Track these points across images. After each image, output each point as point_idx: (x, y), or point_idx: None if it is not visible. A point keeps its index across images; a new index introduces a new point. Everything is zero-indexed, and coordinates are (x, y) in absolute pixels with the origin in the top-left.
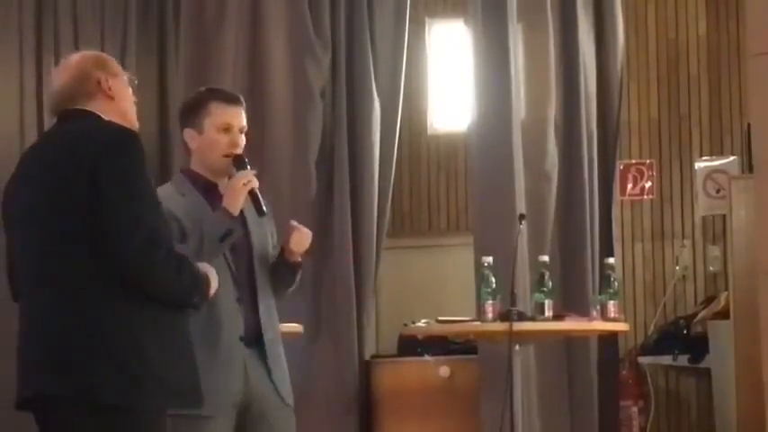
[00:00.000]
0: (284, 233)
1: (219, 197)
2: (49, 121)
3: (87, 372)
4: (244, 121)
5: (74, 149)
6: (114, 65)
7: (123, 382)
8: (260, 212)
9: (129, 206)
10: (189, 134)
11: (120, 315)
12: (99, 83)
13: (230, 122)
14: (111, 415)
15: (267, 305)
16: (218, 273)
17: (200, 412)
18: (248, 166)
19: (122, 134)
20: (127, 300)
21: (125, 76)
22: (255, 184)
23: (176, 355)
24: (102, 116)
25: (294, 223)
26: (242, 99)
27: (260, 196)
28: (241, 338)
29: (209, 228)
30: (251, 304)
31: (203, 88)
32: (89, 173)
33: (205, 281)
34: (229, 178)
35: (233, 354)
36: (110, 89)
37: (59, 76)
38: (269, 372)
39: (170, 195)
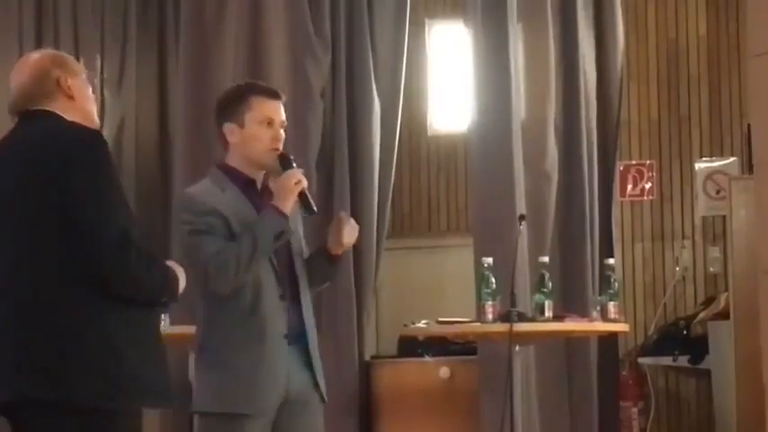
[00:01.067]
0: (334, 226)
1: (257, 193)
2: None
3: (64, 374)
4: (284, 116)
5: (40, 152)
6: (74, 64)
7: (100, 382)
8: (310, 211)
9: (99, 207)
10: (229, 128)
11: (93, 315)
12: (58, 82)
13: (272, 117)
14: (90, 416)
15: (307, 302)
16: (262, 271)
17: (244, 411)
18: (294, 164)
19: (88, 135)
20: (100, 300)
21: (84, 75)
22: (305, 183)
23: (149, 353)
24: (65, 116)
25: (343, 214)
26: (282, 94)
27: (309, 195)
28: (285, 336)
29: (263, 227)
30: (293, 301)
31: (242, 82)
32: (57, 175)
33: (174, 279)
34: (266, 174)
35: (278, 352)
36: (69, 88)
37: (18, 76)
38: (311, 368)
39: (210, 191)
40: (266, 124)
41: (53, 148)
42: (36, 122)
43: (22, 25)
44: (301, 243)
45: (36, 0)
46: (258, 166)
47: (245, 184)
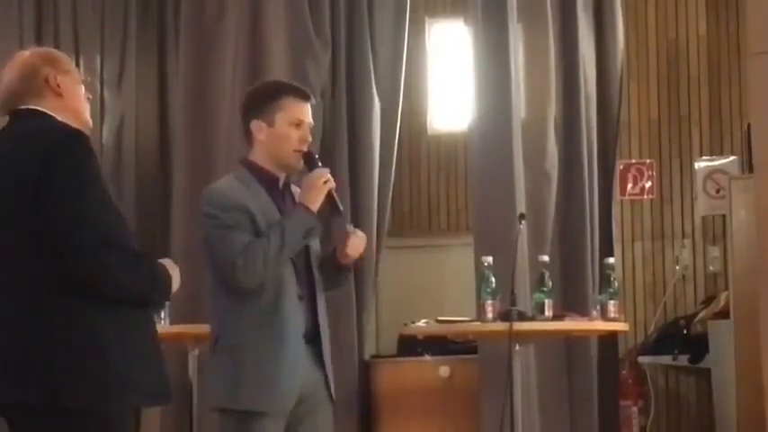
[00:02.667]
0: (340, 237)
1: (280, 191)
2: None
3: (51, 376)
4: (311, 118)
5: (22, 152)
6: (65, 62)
7: (88, 384)
8: (337, 211)
9: (79, 207)
10: (257, 126)
11: (79, 317)
12: (47, 80)
13: (302, 118)
14: (80, 418)
15: (322, 302)
16: (285, 270)
17: (264, 409)
18: (319, 164)
19: (69, 135)
20: (86, 301)
21: (76, 74)
22: (333, 183)
23: (140, 352)
24: (55, 116)
25: (350, 228)
26: (312, 96)
27: (335, 195)
28: (303, 336)
29: (292, 224)
30: (310, 301)
31: (273, 80)
32: (38, 175)
33: (165, 279)
34: (288, 173)
35: (297, 351)
36: (58, 86)
37: (7, 73)
38: (322, 368)
39: (236, 187)
40: (295, 125)
41: (33, 147)
42: (24, 122)
43: (22, 25)
44: (318, 244)
45: (36, 0)
46: (282, 165)
47: (269, 182)
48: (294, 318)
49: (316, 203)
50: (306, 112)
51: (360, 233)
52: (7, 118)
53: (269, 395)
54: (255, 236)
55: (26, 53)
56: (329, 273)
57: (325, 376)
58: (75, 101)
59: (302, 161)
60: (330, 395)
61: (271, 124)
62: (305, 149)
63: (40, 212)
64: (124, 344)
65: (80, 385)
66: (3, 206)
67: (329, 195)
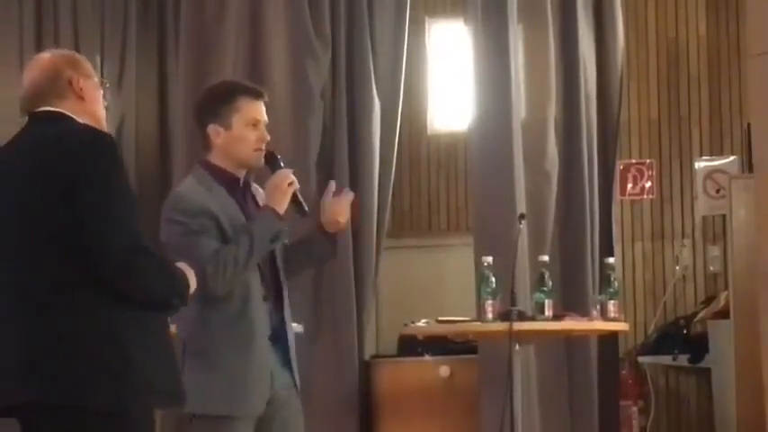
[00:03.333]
0: (329, 200)
1: (241, 191)
2: (20, 121)
3: (74, 377)
4: (265, 115)
5: (48, 154)
6: (87, 66)
7: (109, 385)
8: (303, 213)
9: (110, 210)
10: (214, 130)
11: (101, 318)
12: (70, 82)
13: (258, 118)
14: (100, 419)
15: (287, 302)
16: (250, 273)
17: (235, 413)
18: (282, 164)
19: (98, 137)
20: (107, 302)
21: (96, 78)
22: (297, 184)
23: (158, 355)
24: (76, 118)
25: (333, 185)
26: (264, 93)
27: (300, 196)
28: (269, 337)
29: (260, 229)
30: (276, 302)
31: (225, 81)
32: (65, 177)
33: (184, 282)
34: (248, 172)
35: (265, 353)
36: (81, 90)
37: (30, 74)
38: (289, 367)
39: (196, 190)
40: (252, 125)
41: (61, 149)
42: (46, 123)
43: (23, 25)
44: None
45: (36, 0)
46: (244, 166)
47: (229, 183)
48: (259, 320)
49: (282, 206)
50: (261, 110)
51: (347, 192)
52: (26, 119)
53: (239, 398)
54: (222, 240)
55: (48, 55)
56: (320, 245)
57: (292, 373)
58: (95, 105)
59: (263, 160)
60: (297, 390)
61: (228, 127)
62: (264, 149)
63: (68, 214)
64: (143, 346)
65: (100, 386)
66: (26, 206)
67: (294, 196)
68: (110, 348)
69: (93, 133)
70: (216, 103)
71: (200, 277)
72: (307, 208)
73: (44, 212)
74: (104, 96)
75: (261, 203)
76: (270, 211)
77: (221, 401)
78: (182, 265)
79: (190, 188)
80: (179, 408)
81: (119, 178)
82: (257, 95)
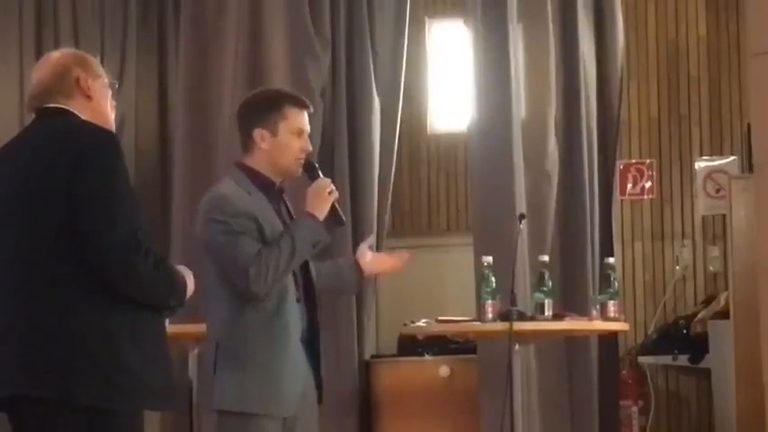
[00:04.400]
0: (380, 255)
1: (276, 198)
2: (27, 118)
3: (64, 373)
4: (309, 125)
5: (51, 149)
6: (96, 66)
7: (100, 383)
8: (340, 222)
9: (108, 207)
10: (260, 134)
11: (96, 316)
12: (78, 81)
13: (303, 128)
14: (89, 416)
15: (317, 305)
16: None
17: (269, 412)
18: (320, 173)
19: (101, 134)
20: (102, 300)
21: (105, 79)
22: (337, 193)
23: (152, 355)
24: (81, 116)
25: (372, 240)
26: (311, 104)
27: (338, 206)
28: (301, 339)
29: (302, 234)
30: (309, 305)
31: (274, 88)
32: (66, 173)
33: (182, 283)
34: (285, 180)
35: (299, 355)
36: (88, 89)
37: (38, 72)
38: (317, 369)
39: (237, 193)
40: (297, 134)
41: (64, 145)
42: (53, 120)
43: (23, 25)
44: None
45: (36, 0)
46: (283, 173)
47: (266, 187)
48: (294, 322)
49: (322, 213)
50: (306, 121)
51: (405, 255)
52: (33, 115)
53: (274, 398)
54: (261, 243)
55: (57, 53)
56: (351, 278)
57: (318, 378)
58: (102, 105)
59: (301, 169)
60: (320, 396)
61: (274, 133)
62: (305, 158)
63: (69, 211)
64: (138, 346)
65: (89, 383)
66: (29, 204)
67: (332, 206)
68: (103, 348)
69: (94, 129)
70: (264, 108)
71: (243, 278)
72: (344, 218)
73: (46, 210)
74: (113, 97)
75: (293, 212)
76: (311, 218)
77: (256, 400)
78: (181, 268)
79: (231, 190)
80: (171, 409)
81: (118, 175)
82: (304, 106)
